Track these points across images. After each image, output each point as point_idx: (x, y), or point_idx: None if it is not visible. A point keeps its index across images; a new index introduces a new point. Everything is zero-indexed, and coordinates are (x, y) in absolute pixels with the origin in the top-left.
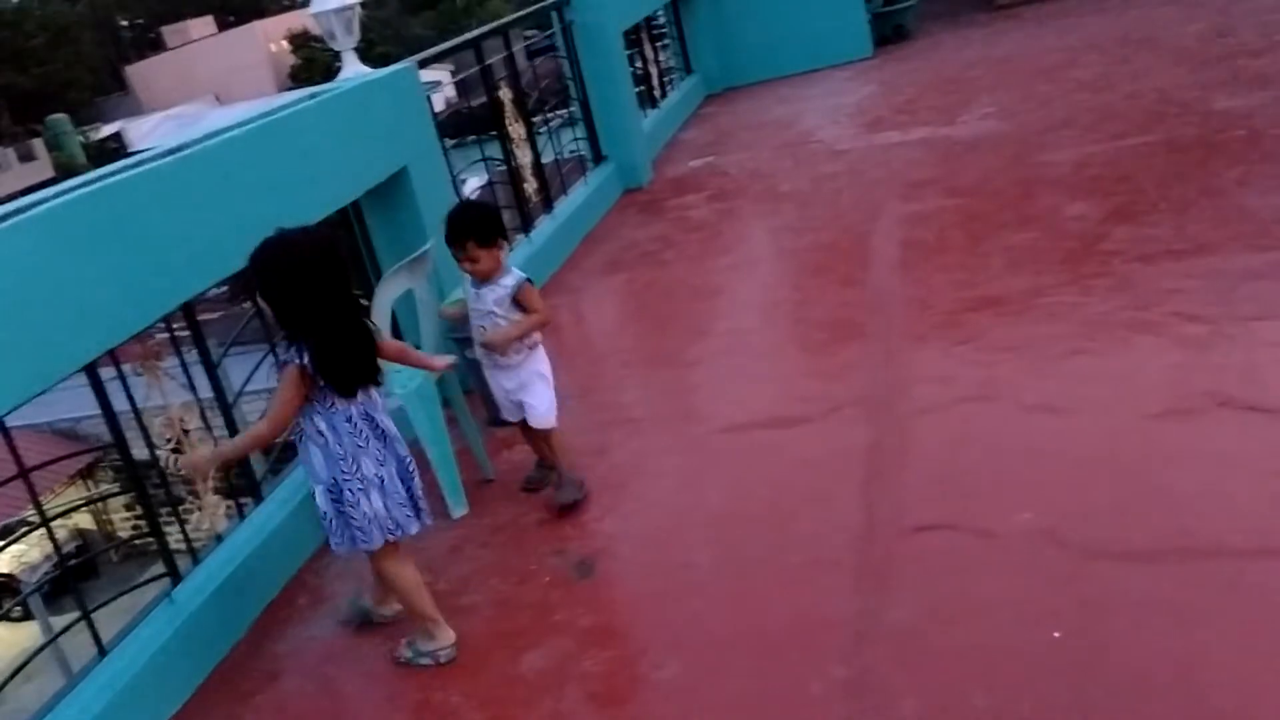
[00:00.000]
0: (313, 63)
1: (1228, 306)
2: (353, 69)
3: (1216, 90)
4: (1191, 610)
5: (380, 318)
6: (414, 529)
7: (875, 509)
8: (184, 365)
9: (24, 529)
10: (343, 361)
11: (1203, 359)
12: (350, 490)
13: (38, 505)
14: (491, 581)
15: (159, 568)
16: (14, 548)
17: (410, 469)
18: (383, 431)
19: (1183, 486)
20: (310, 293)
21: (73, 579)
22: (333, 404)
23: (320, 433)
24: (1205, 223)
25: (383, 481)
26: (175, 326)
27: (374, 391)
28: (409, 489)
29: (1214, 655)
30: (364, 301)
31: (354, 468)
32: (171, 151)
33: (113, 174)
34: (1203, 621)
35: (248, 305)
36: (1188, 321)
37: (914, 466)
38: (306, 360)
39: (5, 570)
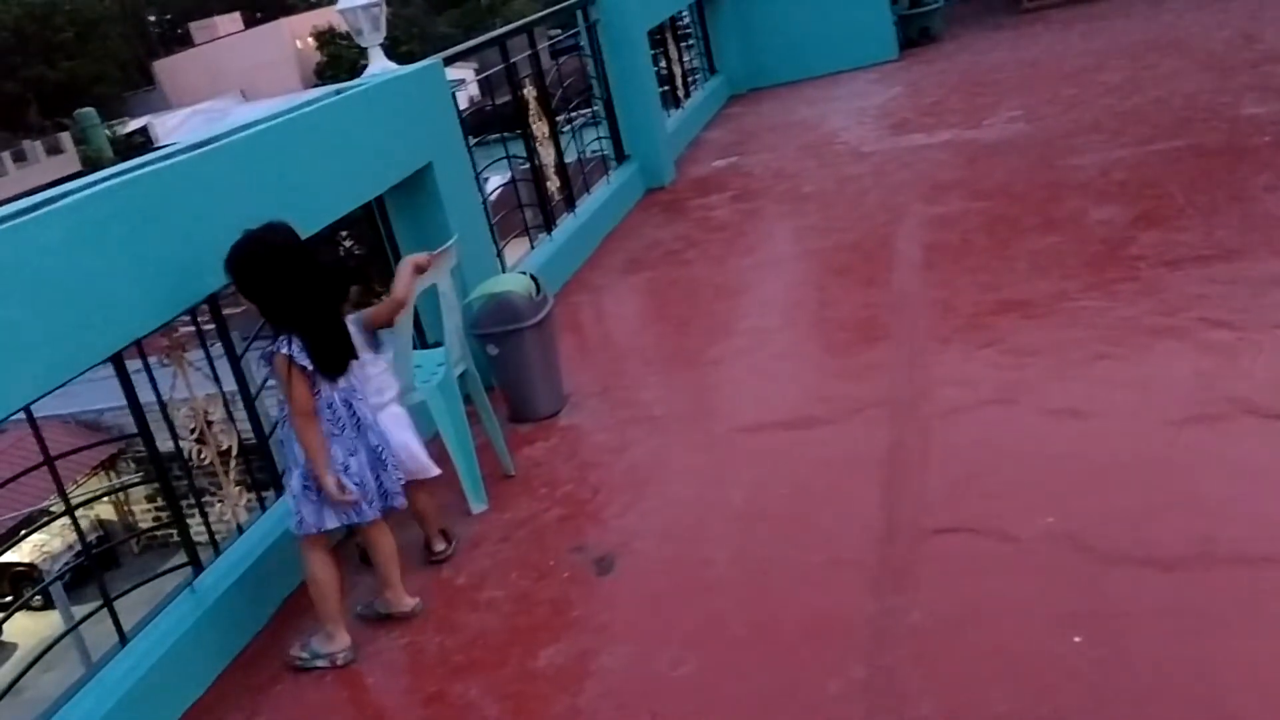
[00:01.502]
0: (338, 59)
1: (1254, 313)
2: (379, 65)
3: (1244, 96)
4: (1213, 617)
5: (404, 313)
6: (368, 516)
7: (896, 510)
8: (209, 357)
9: (47, 518)
10: (329, 344)
11: (1228, 365)
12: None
13: (63, 493)
14: (511, 576)
15: (180, 558)
16: (35, 537)
17: (383, 458)
18: (358, 420)
19: (1206, 493)
20: (289, 282)
21: (98, 568)
22: (317, 390)
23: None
24: (1232, 228)
25: (346, 469)
26: (200, 319)
27: (355, 378)
28: (379, 478)
29: (1235, 662)
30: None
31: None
32: (199, 145)
33: (141, 167)
34: (1224, 628)
35: None
36: (1213, 327)
37: (936, 469)
38: (293, 350)
39: (27, 559)
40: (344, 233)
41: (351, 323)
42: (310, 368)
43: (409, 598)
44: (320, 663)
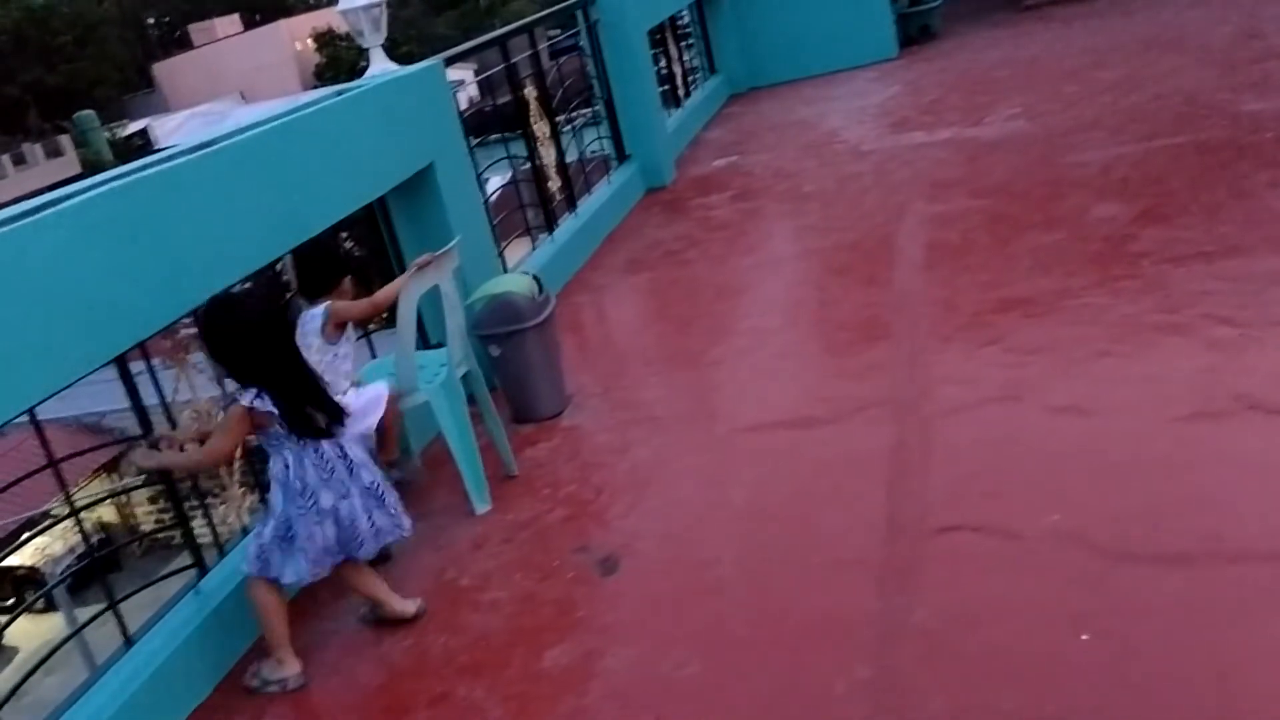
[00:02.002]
0: (338, 61)
1: (1258, 309)
2: (380, 66)
3: (1246, 92)
4: (1221, 614)
5: (406, 314)
6: (369, 551)
7: (900, 509)
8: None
9: (50, 521)
10: (304, 409)
11: (1232, 362)
12: (305, 524)
13: (67, 496)
14: (514, 577)
15: (182, 561)
16: (37, 540)
17: (379, 492)
18: (350, 462)
19: (1212, 490)
20: (258, 351)
21: (100, 570)
22: (304, 441)
23: (286, 467)
24: (1235, 225)
25: (336, 513)
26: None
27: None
28: (371, 517)
29: (1243, 659)
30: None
31: (311, 501)
32: (200, 148)
33: (141, 169)
34: (1232, 625)
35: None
36: (1217, 324)
37: (939, 467)
38: (255, 402)
39: (29, 562)
40: (344, 234)
41: (317, 314)
42: (277, 420)
43: (408, 602)
44: (272, 688)
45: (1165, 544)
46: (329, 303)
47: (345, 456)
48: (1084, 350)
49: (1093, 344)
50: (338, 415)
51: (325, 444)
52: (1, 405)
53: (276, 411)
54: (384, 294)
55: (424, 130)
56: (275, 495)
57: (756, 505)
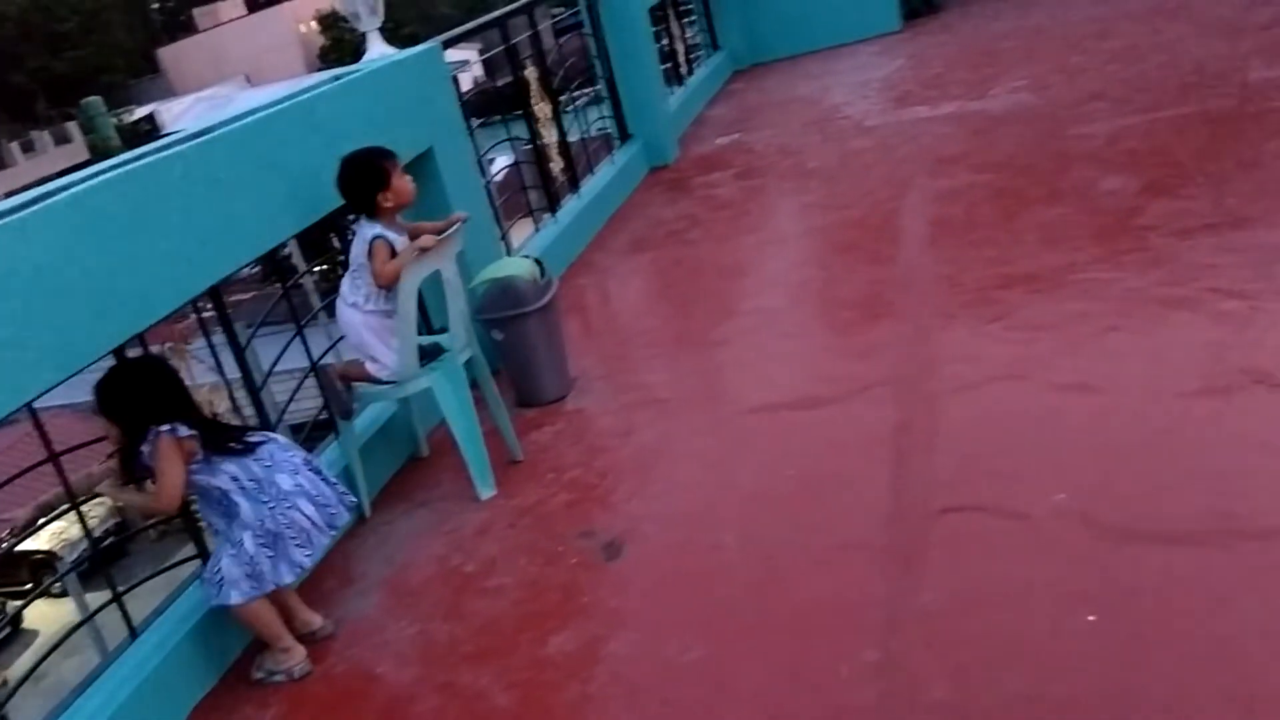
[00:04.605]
0: (341, 43)
1: (1266, 282)
2: (377, 49)
3: (1253, 60)
4: (1229, 592)
5: (407, 299)
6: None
7: (905, 490)
8: (212, 348)
9: (58, 510)
10: (219, 426)
11: (1240, 336)
12: (281, 513)
13: (68, 488)
14: (519, 562)
15: (189, 549)
16: (54, 525)
17: (318, 471)
18: (282, 470)
19: (1219, 466)
20: (163, 391)
21: (104, 562)
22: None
23: (234, 478)
24: (1243, 196)
25: (302, 487)
26: (203, 309)
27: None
28: (324, 508)
29: (1252, 638)
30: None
31: (274, 490)
32: (199, 134)
33: (141, 157)
34: (1240, 604)
35: (277, 286)
36: (1225, 297)
37: (944, 447)
38: (178, 431)
39: (46, 546)
40: (350, 217)
41: (367, 235)
42: (198, 444)
43: (315, 617)
44: (278, 678)
45: (1173, 521)
46: (376, 234)
47: (271, 467)
48: (1090, 326)
49: (1099, 319)
50: (241, 434)
51: (252, 465)
52: (9, 394)
53: (197, 433)
54: (392, 265)
55: (423, 114)
56: (243, 510)
57: (761, 488)
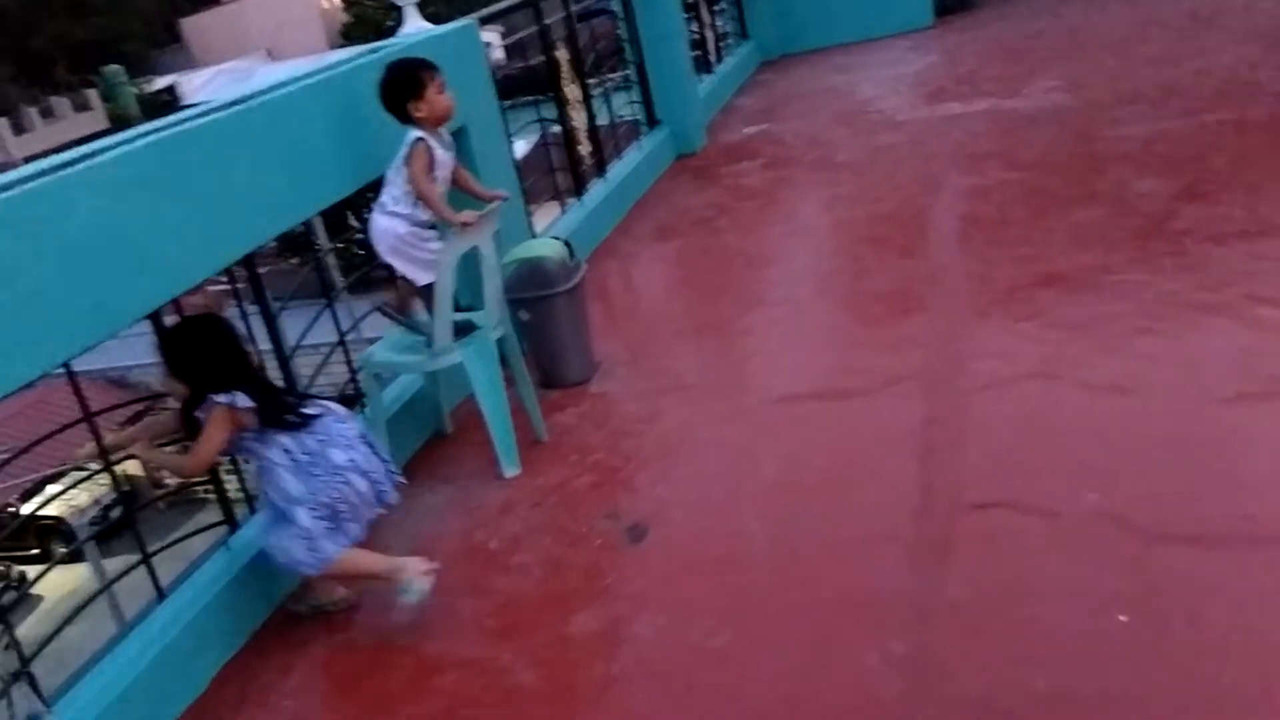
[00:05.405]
0: (364, 20)
1: None
2: (414, 25)
3: None
4: (1260, 596)
5: (445, 274)
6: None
7: (933, 484)
8: (244, 316)
9: (84, 474)
10: (276, 400)
11: (1274, 343)
12: (334, 487)
13: (102, 450)
14: (543, 542)
15: (206, 516)
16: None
17: (369, 439)
18: (335, 441)
19: (1252, 471)
20: (227, 357)
21: (126, 524)
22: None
23: (286, 451)
24: (1277, 203)
25: (355, 462)
26: (236, 278)
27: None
28: (372, 479)
29: None
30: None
31: (327, 464)
32: (234, 103)
33: (176, 124)
34: (1272, 608)
35: (295, 261)
36: (1260, 304)
37: (973, 443)
38: (236, 400)
39: (54, 513)
40: (371, 194)
41: (408, 140)
42: (255, 417)
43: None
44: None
45: (1204, 525)
46: (418, 137)
47: (323, 440)
48: (1123, 327)
49: (1132, 321)
50: (299, 407)
51: (306, 439)
52: (41, 358)
53: (255, 406)
54: (437, 203)
55: (458, 92)
56: (288, 484)
57: (787, 477)
